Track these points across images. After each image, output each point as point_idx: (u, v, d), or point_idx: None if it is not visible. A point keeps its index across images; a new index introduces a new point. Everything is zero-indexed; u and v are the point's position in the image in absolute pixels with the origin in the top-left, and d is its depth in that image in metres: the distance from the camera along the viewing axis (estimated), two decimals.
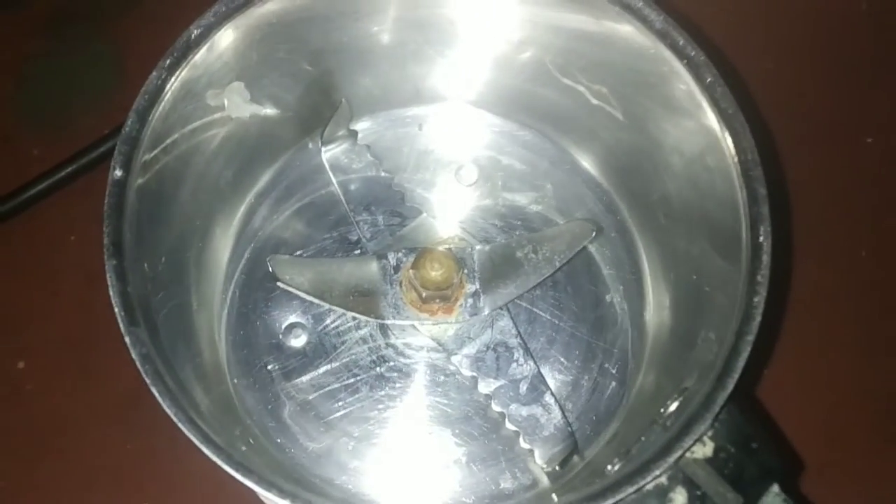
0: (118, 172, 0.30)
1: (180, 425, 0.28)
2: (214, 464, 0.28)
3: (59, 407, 0.48)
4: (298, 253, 0.40)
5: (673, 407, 0.31)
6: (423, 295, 0.37)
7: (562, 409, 0.37)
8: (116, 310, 0.29)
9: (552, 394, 0.38)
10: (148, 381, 0.28)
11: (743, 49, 0.46)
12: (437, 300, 0.38)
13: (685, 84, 0.32)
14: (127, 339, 0.29)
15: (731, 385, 0.29)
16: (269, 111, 0.38)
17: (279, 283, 0.36)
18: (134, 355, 0.29)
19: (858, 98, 0.48)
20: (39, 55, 0.54)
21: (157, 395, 0.28)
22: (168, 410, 0.28)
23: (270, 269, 0.37)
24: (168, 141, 0.33)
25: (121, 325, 0.29)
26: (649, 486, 0.29)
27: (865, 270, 0.44)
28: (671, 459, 0.28)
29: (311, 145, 0.41)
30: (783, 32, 0.49)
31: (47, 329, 0.49)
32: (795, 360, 0.41)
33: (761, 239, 0.30)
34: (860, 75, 0.49)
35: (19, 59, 0.54)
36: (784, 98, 0.47)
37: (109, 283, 0.29)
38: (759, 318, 0.29)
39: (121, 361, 0.46)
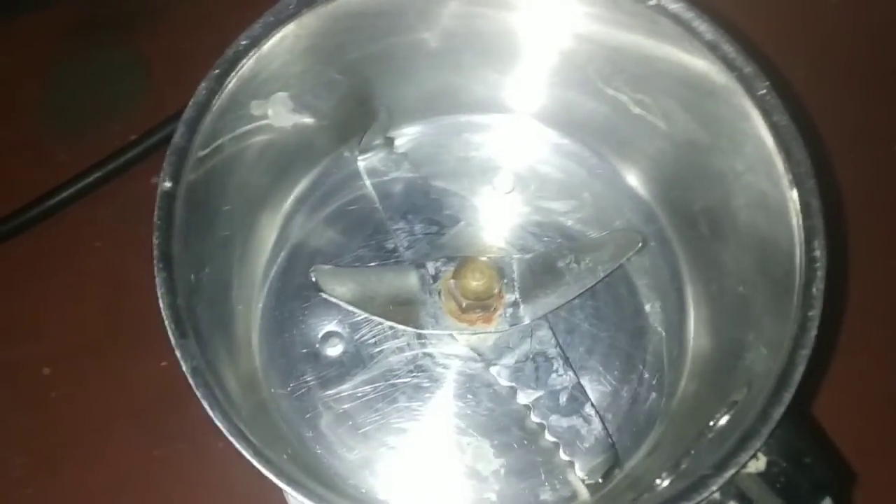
0: (167, 184, 0.30)
1: (231, 439, 0.28)
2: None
3: (85, 413, 0.47)
4: (335, 261, 0.40)
5: (723, 421, 0.31)
6: (463, 304, 0.37)
7: (602, 420, 0.37)
8: (167, 322, 0.29)
9: (592, 405, 0.37)
10: (199, 394, 0.28)
11: (776, 56, 0.46)
12: (477, 310, 0.37)
13: (735, 96, 0.32)
14: (178, 353, 0.28)
15: (787, 399, 0.29)
16: (309, 120, 0.38)
17: (322, 294, 0.36)
18: (185, 368, 0.28)
19: (890, 107, 0.48)
20: (65, 61, 0.54)
21: (207, 408, 0.28)
22: (220, 424, 0.28)
23: (313, 279, 0.36)
24: (213, 150, 0.33)
25: (171, 338, 0.29)
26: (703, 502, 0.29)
27: None
28: (727, 475, 0.28)
29: (347, 154, 0.41)
30: (817, 40, 0.49)
31: (73, 335, 0.49)
32: (849, 374, 0.41)
33: (816, 252, 0.30)
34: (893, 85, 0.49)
35: (45, 63, 0.54)
36: (820, 107, 0.47)
37: (160, 295, 0.29)
38: (814, 332, 0.29)
39: (146, 367, 0.46)
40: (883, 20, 0.50)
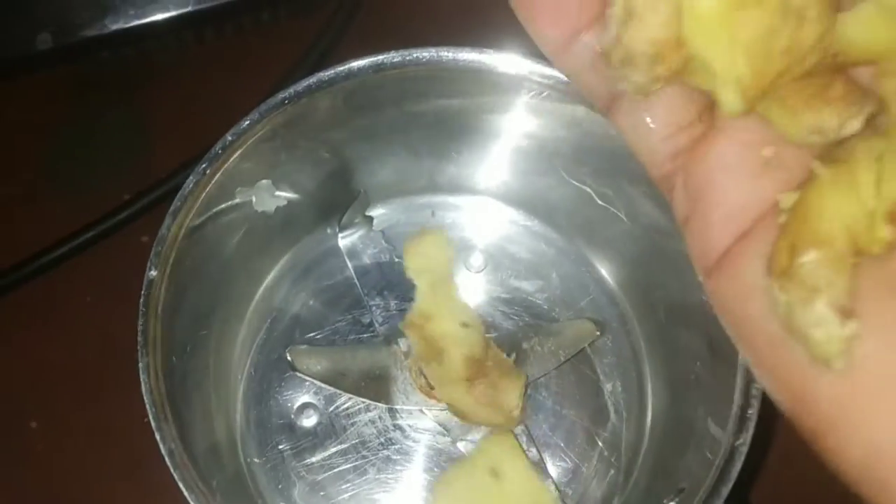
0: (153, 273, 0.32)
1: None
2: None
3: (71, 467, 0.49)
4: (313, 334, 0.42)
5: None
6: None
7: (562, 496, 0.39)
8: (148, 406, 0.31)
9: (553, 481, 0.39)
10: (175, 475, 0.30)
11: None
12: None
13: None
14: (157, 435, 0.30)
15: (725, 492, 0.31)
16: (292, 200, 0.40)
17: (297, 373, 0.38)
18: (163, 450, 0.30)
19: None
20: (65, 119, 0.56)
21: (184, 489, 0.30)
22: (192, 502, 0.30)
23: (289, 359, 0.38)
24: (198, 237, 0.35)
25: (152, 421, 0.31)
26: None
27: None
28: None
29: (328, 230, 0.43)
30: None
31: (61, 389, 0.50)
32: (787, 465, 0.43)
33: None
34: None
35: (45, 122, 0.55)
36: None
37: (142, 380, 0.31)
38: (751, 430, 0.31)
39: (132, 422, 0.47)
40: None
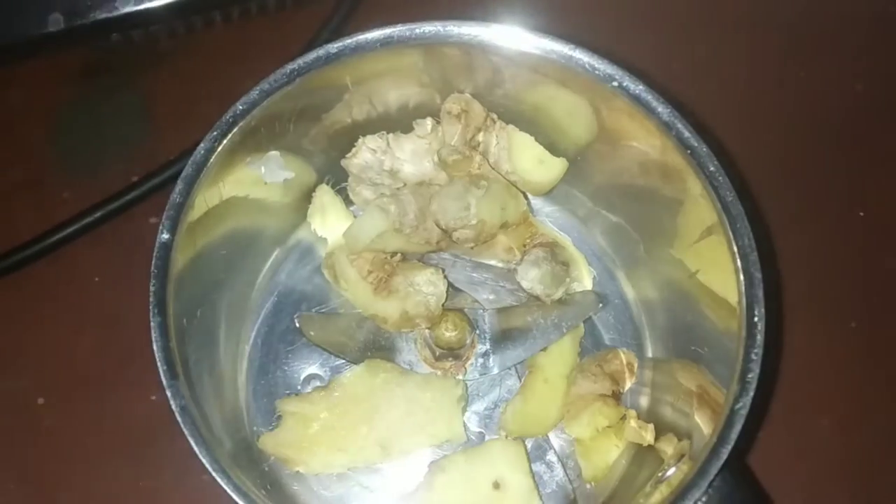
0: (165, 235, 0.33)
1: (215, 475, 0.30)
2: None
3: (76, 443, 0.49)
4: (320, 307, 0.42)
5: (671, 472, 0.33)
6: (437, 353, 0.40)
7: (564, 467, 0.40)
8: (159, 364, 0.31)
9: (555, 452, 0.40)
10: (186, 431, 0.31)
11: (734, 126, 0.49)
12: (450, 359, 0.40)
13: (687, 174, 0.34)
14: (168, 392, 0.31)
15: (724, 455, 0.31)
16: (300, 173, 0.40)
17: (305, 339, 0.39)
18: (174, 407, 0.31)
19: (851, 173, 0.51)
20: (72, 103, 0.56)
21: (194, 445, 0.30)
22: (205, 461, 0.30)
23: (297, 325, 0.39)
24: (209, 204, 0.35)
25: (163, 379, 0.31)
26: None
27: (855, 341, 0.47)
28: None
29: None
30: (777, 111, 0.52)
31: (68, 367, 0.51)
32: (785, 428, 0.43)
33: (756, 319, 0.32)
34: (853, 153, 0.52)
35: (53, 105, 0.56)
36: (778, 175, 0.50)
37: (153, 339, 0.32)
38: (752, 393, 0.32)
39: (137, 400, 0.48)
40: (845, 91, 0.53)
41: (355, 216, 0.41)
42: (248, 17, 0.54)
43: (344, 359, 0.40)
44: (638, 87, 0.34)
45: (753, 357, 0.32)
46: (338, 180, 0.42)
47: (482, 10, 0.51)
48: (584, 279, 0.42)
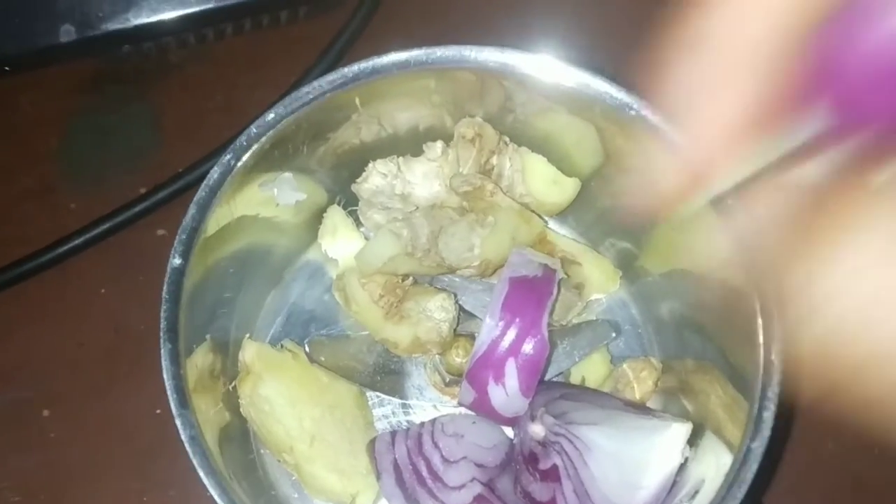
0: (177, 261, 0.32)
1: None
2: None
3: (81, 456, 0.49)
4: (329, 328, 0.42)
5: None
6: (447, 379, 0.39)
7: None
8: (169, 392, 0.31)
9: None
10: (196, 462, 0.30)
11: None
12: (459, 384, 0.40)
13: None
14: (178, 422, 0.31)
15: (740, 495, 0.31)
16: (312, 194, 0.40)
17: (314, 364, 0.38)
18: (183, 437, 0.31)
19: None
20: (82, 112, 0.56)
21: (203, 476, 0.30)
22: (213, 492, 0.30)
23: (306, 350, 0.39)
24: (222, 228, 0.35)
25: (172, 407, 0.31)
26: None
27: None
28: None
29: None
30: None
31: (73, 379, 0.51)
32: (804, 467, 0.43)
33: (773, 357, 0.32)
34: None
35: (63, 114, 0.56)
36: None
37: (164, 366, 0.31)
38: (768, 433, 0.31)
39: (142, 413, 0.48)
40: None
41: (366, 237, 0.41)
42: (260, 30, 0.54)
43: (353, 382, 0.40)
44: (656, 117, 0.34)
45: (770, 395, 0.32)
46: (348, 202, 0.42)
47: (486, 25, 0.51)
48: (608, 286, 0.42)
